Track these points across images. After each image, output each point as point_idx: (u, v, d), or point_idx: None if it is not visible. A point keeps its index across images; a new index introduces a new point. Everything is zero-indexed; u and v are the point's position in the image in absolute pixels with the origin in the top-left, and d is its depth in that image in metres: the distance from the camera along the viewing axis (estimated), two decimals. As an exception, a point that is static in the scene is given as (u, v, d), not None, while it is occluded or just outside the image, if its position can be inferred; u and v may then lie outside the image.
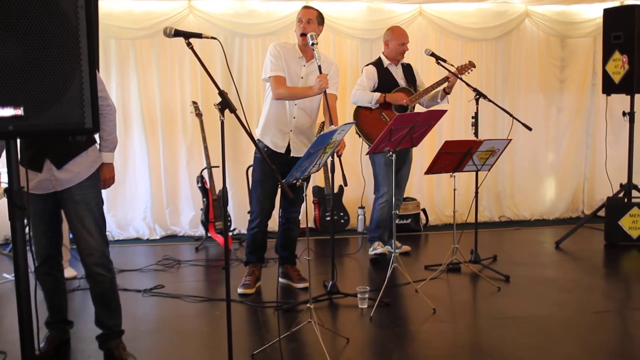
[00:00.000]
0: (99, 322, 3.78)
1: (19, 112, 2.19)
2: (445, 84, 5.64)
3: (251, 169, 6.53)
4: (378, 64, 5.85)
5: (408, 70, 5.94)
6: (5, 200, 4.66)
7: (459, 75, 5.55)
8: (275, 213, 5.50)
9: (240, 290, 4.97)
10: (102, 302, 3.73)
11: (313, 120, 5.05)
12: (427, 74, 7.17)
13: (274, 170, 3.32)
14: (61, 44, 2.25)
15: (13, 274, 5.25)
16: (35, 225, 3.66)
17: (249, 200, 5.73)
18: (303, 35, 4.73)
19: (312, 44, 4.52)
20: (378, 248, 5.90)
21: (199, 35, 3.33)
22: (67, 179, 3.56)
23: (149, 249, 6.54)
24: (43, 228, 3.66)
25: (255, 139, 4.97)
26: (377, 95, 5.65)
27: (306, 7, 5.03)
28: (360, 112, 5.79)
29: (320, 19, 4.88)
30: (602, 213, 6.63)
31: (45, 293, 3.78)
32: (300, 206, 5.29)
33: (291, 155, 4.87)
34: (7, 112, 2.17)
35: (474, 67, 5.71)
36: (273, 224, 6.01)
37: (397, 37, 5.78)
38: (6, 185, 2.31)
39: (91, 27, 2.31)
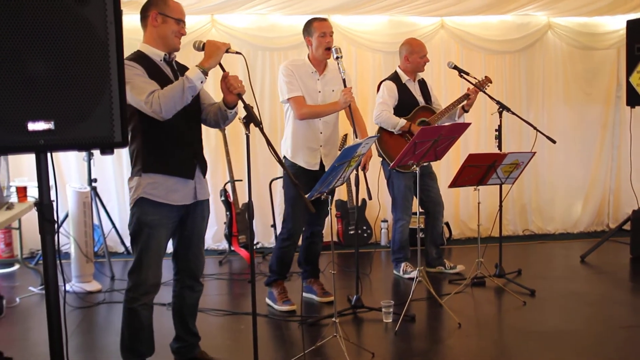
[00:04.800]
0: (189, 332, 3.79)
1: (50, 126, 2.22)
2: (465, 102, 5.52)
3: (274, 182, 6.55)
4: (396, 79, 5.68)
5: (423, 86, 5.80)
6: (29, 214, 4.74)
7: (482, 89, 5.48)
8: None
9: (286, 308, 4.86)
10: (194, 310, 3.82)
11: (337, 130, 5.00)
12: (450, 88, 7.16)
13: (297, 186, 3.27)
14: (91, 60, 2.29)
15: (39, 287, 5.33)
16: (157, 251, 3.48)
17: (280, 216, 5.65)
18: (329, 49, 4.67)
19: (337, 57, 4.51)
20: (408, 270, 5.71)
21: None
22: (206, 190, 3.60)
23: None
24: (160, 254, 3.51)
25: (284, 158, 4.84)
26: (403, 122, 5.46)
27: (325, 20, 4.84)
28: (383, 133, 5.59)
29: None
30: (627, 226, 6.56)
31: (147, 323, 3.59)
32: (324, 220, 5.22)
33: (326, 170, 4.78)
34: (39, 126, 2.20)
35: (491, 82, 5.63)
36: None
37: (417, 50, 5.63)
38: (34, 199, 2.34)
39: (121, 43, 2.34)
